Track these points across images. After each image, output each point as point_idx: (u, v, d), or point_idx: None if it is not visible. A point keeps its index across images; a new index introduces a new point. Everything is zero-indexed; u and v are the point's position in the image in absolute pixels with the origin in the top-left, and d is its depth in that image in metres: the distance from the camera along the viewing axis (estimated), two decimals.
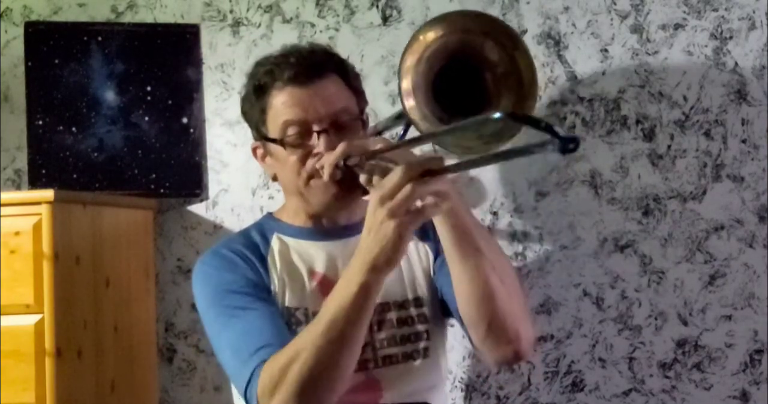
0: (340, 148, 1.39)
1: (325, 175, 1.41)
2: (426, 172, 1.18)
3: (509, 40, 1.71)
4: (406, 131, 1.84)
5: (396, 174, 1.19)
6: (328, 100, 1.47)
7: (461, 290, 1.38)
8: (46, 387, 1.73)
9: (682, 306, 1.95)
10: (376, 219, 1.21)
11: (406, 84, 1.64)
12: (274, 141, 1.49)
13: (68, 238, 1.81)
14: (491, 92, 1.73)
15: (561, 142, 0.91)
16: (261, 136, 1.52)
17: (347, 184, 1.42)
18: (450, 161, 1.27)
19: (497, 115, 1.00)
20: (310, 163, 1.46)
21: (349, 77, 1.53)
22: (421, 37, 1.66)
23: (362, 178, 1.36)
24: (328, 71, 1.49)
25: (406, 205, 1.19)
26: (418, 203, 1.21)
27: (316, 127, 1.45)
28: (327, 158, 1.41)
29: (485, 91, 1.74)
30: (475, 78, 1.74)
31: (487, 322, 1.38)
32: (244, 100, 1.55)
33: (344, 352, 1.30)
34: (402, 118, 1.82)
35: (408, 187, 1.17)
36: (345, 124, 1.48)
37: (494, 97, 1.73)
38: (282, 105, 1.47)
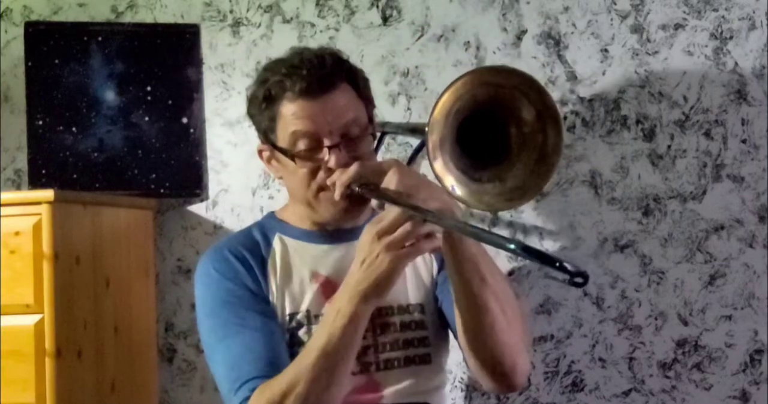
0: (353, 170, 1.38)
1: (337, 194, 1.41)
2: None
3: (539, 97, 1.72)
4: (418, 151, 1.84)
5: (395, 211, 1.25)
6: (338, 112, 1.45)
7: (462, 317, 1.38)
8: (46, 387, 1.73)
9: (682, 306, 1.95)
10: (371, 252, 1.26)
11: (435, 138, 1.65)
12: (284, 152, 1.48)
13: (68, 238, 1.81)
14: (513, 145, 1.75)
15: (571, 276, 0.99)
16: (269, 142, 1.51)
17: (356, 199, 1.42)
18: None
19: (512, 246, 1.03)
20: (320, 176, 1.46)
21: (359, 85, 1.51)
22: (453, 89, 1.67)
23: (374, 203, 1.37)
24: (339, 81, 1.47)
25: (403, 242, 1.24)
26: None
27: (327, 142, 1.44)
28: (339, 178, 1.40)
29: (508, 143, 1.75)
30: (499, 130, 1.75)
31: (485, 352, 1.38)
32: (252, 104, 1.53)
33: (335, 381, 1.33)
34: (416, 132, 1.82)
35: (408, 225, 1.23)
36: (355, 137, 1.47)
37: (516, 151, 1.74)
38: (292, 116, 1.46)
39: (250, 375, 1.38)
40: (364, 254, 1.27)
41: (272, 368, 1.38)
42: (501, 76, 1.73)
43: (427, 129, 1.64)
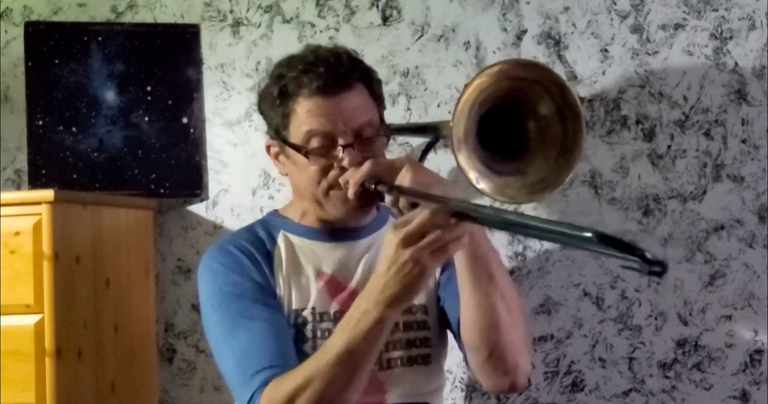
0: (367, 167, 1.38)
1: (350, 192, 1.40)
2: (455, 214, 1.17)
3: (560, 92, 1.72)
4: (429, 148, 1.84)
5: (423, 216, 1.19)
6: (353, 112, 1.45)
7: (468, 315, 1.38)
8: (46, 387, 1.73)
9: (682, 306, 1.96)
10: (398, 259, 1.21)
11: (459, 131, 1.65)
12: (296, 148, 1.47)
13: (68, 238, 1.80)
14: (531, 139, 1.75)
15: (650, 265, 0.91)
16: (281, 138, 1.50)
17: (366, 198, 1.42)
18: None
19: (588, 234, 0.95)
20: (332, 174, 1.45)
21: (374, 86, 1.51)
22: (477, 82, 1.67)
23: (388, 200, 1.35)
24: (354, 81, 1.46)
25: (430, 249, 1.19)
26: None
27: (341, 141, 1.44)
28: (352, 176, 1.40)
29: (525, 137, 1.76)
30: (516, 124, 1.76)
31: (488, 350, 1.38)
32: (264, 100, 1.52)
33: (354, 382, 1.31)
34: (426, 132, 1.83)
35: (437, 233, 1.18)
36: (369, 138, 1.47)
37: (535, 144, 1.75)
38: (307, 114, 1.45)
39: (261, 365, 1.37)
40: (390, 261, 1.22)
41: (282, 358, 1.37)
42: (526, 69, 1.74)
43: (451, 122, 1.64)
